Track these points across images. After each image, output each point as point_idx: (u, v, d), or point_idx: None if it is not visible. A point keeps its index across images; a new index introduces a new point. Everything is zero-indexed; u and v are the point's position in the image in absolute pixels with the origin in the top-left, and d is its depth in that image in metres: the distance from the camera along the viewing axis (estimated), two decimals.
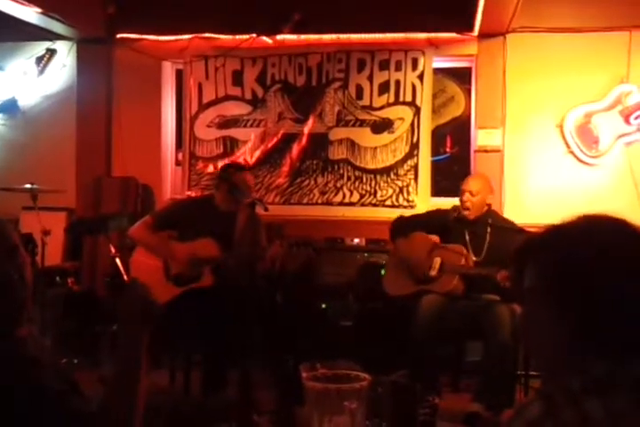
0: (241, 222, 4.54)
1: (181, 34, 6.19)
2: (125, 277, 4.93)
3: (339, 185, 6.03)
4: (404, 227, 4.71)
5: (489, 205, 4.62)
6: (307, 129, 6.07)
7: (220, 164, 5.87)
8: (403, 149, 5.91)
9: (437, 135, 6.10)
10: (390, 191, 5.92)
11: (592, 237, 1.28)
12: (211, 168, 6.20)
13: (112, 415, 1.54)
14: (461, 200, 4.52)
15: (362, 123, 6.01)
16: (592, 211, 1.33)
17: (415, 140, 5.89)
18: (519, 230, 4.44)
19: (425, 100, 5.89)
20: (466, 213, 4.48)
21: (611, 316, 1.22)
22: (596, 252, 1.25)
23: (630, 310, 1.22)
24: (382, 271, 5.01)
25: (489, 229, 4.49)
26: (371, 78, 6.00)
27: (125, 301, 1.67)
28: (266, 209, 4.47)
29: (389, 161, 5.94)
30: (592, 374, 1.20)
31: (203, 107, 6.29)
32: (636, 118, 5.48)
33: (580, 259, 1.26)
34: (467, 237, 4.51)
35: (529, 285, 1.31)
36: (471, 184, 4.52)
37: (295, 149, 6.10)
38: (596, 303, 1.23)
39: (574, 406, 1.17)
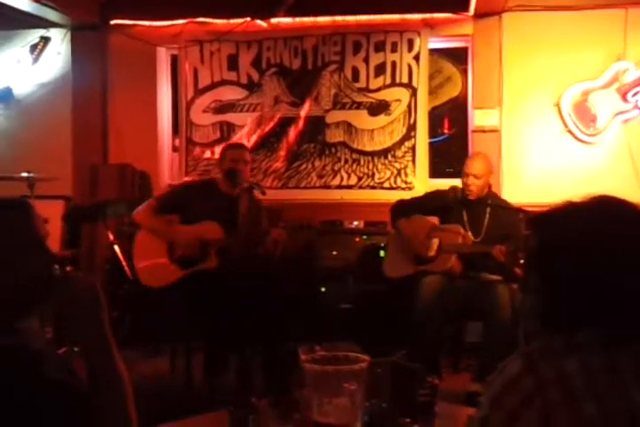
0: (243, 206, 4.54)
1: (175, 19, 6.14)
2: (124, 263, 4.94)
3: (336, 168, 6.01)
4: (404, 210, 4.68)
5: (490, 186, 4.59)
6: (303, 112, 6.05)
7: (217, 149, 5.86)
8: (400, 131, 5.89)
9: (434, 116, 6.08)
10: (388, 173, 5.91)
11: (593, 224, 1.34)
12: (208, 153, 6.19)
13: (103, 403, 1.53)
14: (465, 183, 4.46)
15: (358, 105, 5.99)
16: (604, 192, 1.40)
17: (412, 121, 5.87)
18: (518, 211, 4.46)
19: (421, 82, 5.85)
20: (468, 194, 4.46)
21: (580, 297, 1.30)
22: (591, 240, 1.32)
23: (602, 296, 1.29)
24: (381, 253, 5.03)
25: (488, 210, 4.48)
26: (367, 60, 5.96)
27: (70, 292, 1.65)
28: (263, 193, 4.49)
29: (387, 143, 5.92)
30: (563, 338, 1.29)
31: (198, 92, 6.26)
32: (634, 95, 5.45)
33: (571, 242, 1.33)
34: (465, 218, 4.50)
35: (528, 253, 1.43)
36: (475, 167, 4.46)
37: (292, 132, 6.08)
38: (572, 283, 1.31)
39: (552, 362, 1.26)
